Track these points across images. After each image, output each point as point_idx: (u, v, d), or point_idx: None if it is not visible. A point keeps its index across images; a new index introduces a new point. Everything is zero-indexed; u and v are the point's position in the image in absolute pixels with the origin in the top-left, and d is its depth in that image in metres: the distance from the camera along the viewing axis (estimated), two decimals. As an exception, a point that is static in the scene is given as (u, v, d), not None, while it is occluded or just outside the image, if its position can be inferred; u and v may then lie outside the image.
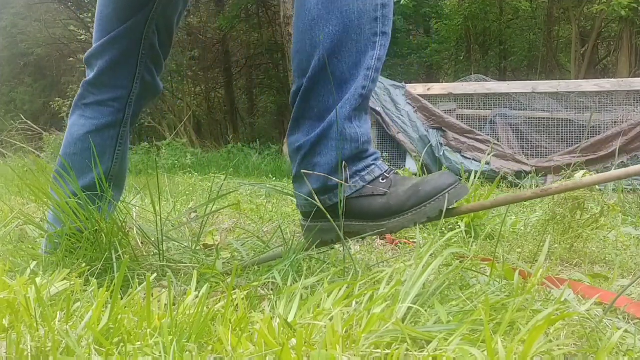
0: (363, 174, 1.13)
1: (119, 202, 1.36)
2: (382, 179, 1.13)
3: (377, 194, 1.11)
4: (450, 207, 1.09)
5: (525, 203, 2.83)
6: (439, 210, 1.08)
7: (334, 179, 1.11)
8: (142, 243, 1.30)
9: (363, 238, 1.26)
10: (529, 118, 4.94)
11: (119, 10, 1.29)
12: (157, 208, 1.21)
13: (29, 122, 9.44)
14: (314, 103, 1.10)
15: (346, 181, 1.11)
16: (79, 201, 1.15)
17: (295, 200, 1.27)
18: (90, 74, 1.34)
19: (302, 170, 1.15)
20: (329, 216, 1.11)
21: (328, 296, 0.89)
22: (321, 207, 1.11)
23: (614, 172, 1.06)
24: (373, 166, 1.14)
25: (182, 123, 10.45)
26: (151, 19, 1.31)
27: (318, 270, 1.14)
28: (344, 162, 1.10)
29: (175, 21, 1.40)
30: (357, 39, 1.05)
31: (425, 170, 4.29)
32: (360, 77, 1.07)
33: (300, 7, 1.09)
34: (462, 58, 13.16)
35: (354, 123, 1.10)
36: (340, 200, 1.11)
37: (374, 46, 1.07)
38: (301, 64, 1.10)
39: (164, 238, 1.24)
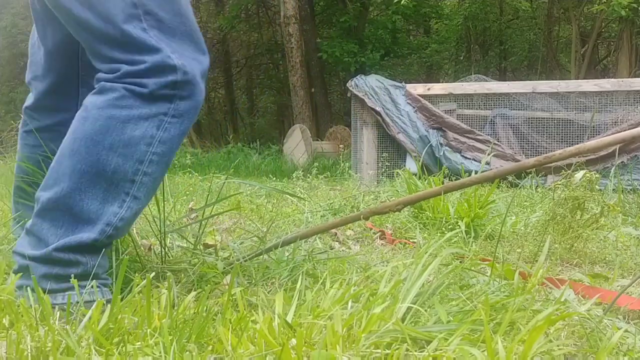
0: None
1: None
2: None
3: None
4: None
5: (525, 203, 2.84)
6: None
7: None
8: (142, 245, 1.30)
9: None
10: (529, 118, 4.93)
11: (47, 30, 1.21)
12: (161, 207, 1.21)
13: (29, 122, 9.39)
14: (45, 225, 1.01)
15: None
16: None
17: (294, 200, 1.26)
18: (30, 99, 1.28)
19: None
20: None
21: (328, 296, 0.89)
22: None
23: (618, 135, 1.09)
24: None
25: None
26: None
27: (318, 271, 1.14)
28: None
29: None
30: (107, 188, 1.01)
31: (426, 170, 4.27)
32: (97, 228, 1.01)
33: (70, 133, 1.03)
34: (462, 58, 13.16)
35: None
36: None
37: (122, 205, 1.02)
38: (50, 176, 1.03)
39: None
